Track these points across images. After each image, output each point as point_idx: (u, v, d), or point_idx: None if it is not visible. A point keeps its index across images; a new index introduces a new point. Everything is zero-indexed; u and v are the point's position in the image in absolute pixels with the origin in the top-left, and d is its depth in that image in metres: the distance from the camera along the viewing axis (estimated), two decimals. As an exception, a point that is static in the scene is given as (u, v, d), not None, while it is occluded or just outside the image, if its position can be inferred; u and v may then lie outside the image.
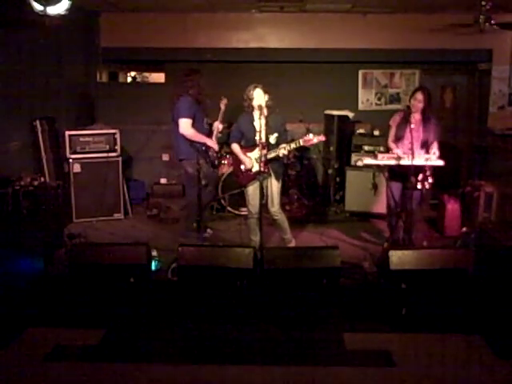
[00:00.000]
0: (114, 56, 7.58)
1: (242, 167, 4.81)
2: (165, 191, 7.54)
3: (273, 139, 4.64)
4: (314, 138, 4.55)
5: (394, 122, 5.01)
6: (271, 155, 4.61)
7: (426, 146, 4.82)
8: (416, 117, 4.82)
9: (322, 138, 4.70)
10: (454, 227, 5.59)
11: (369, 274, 4.49)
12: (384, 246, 4.92)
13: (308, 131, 6.85)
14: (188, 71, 5.17)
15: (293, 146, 4.58)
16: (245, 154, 4.77)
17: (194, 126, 5.05)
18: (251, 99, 4.59)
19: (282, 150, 4.58)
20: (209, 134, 5.25)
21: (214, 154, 5.28)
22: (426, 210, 6.38)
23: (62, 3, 3.98)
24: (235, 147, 4.84)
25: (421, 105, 4.76)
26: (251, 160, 4.74)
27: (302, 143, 4.56)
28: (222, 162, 6.50)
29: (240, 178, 4.88)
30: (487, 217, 5.50)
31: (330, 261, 3.87)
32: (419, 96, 4.77)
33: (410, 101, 4.89)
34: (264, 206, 4.70)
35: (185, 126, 5.01)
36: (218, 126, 5.26)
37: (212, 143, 5.20)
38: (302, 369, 3.28)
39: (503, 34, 6.84)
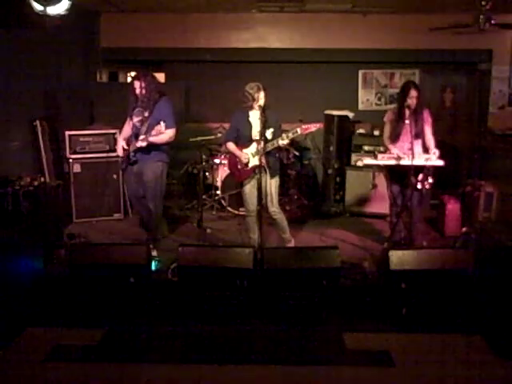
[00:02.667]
0: (114, 56, 7.59)
1: (239, 164, 4.81)
2: (165, 191, 7.52)
3: (269, 134, 4.63)
4: (311, 126, 4.53)
5: (388, 118, 5.01)
6: (270, 147, 4.61)
7: (421, 139, 4.81)
8: (408, 113, 4.80)
9: (320, 125, 4.66)
10: (453, 227, 5.59)
11: (369, 274, 4.48)
12: (384, 245, 4.92)
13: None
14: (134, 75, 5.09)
15: (291, 135, 4.54)
16: (240, 150, 4.78)
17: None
18: (254, 100, 4.58)
19: (281, 140, 4.56)
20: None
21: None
22: (426, 210, 6.38)
23: (62, 3, 3.98)
24: (230, 145, 4.85)
25: (415, 101, 4.74)
26: (247, 155, 4.72)
27: (299, 131, 4.53)
28: (222, 161, 6.50)
29: (236, 176, 4.91)
30: (487, 217, 5.50)
31: (329, 261, 3.86)
32: (414, 93, 4.72)
33: (404, 98, 4.82)
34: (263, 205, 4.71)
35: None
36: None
37: (118, 147, 5.13)
38: (301, 369, 3.28)
39: (503, 33, 6.85)
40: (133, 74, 9.81)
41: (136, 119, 4.90)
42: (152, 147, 4.79)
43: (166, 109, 4.85)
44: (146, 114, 4.85)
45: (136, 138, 4.82)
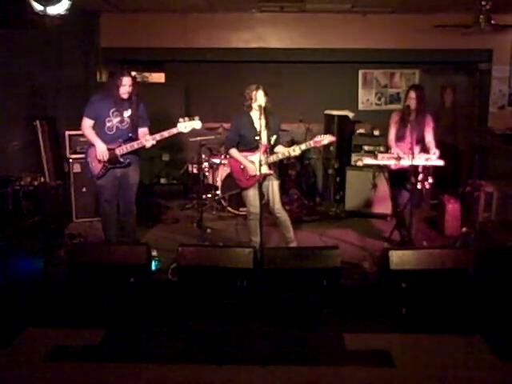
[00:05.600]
0: (114, 56, 7.59)
1: (245, 173, 4.70)
2: (165, 191, 7.55)
3: (273, 141, 4.64)
4: (324, 139, 4.53)
5: (393, 120, 5.03)
6: (280, 157, 4.62)
7: (421, 143, 4.83)
8: (413, 116, 4.83)
9: (333, 138, 4.61)
10: (454, 227, 5.59)
11: (369, 273, 4.49)
12: (384, 245, 4.93)
13: (308, 131, 6.88)
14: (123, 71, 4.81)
15: (303, 147, 4.56)
16: (246, 157, 4.69)
17: (95, 126, 4.71)
18: (252, 99, 4.58)
19: (293, 152, 4.56)
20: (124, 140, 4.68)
21: (93, 163, 4.71)
22: (426, 210, 6.38)
23: (62, 3, 3.97)
24: (235, 152, 4.74)
25: (414, 103, 4.78)
26: (254, 164, 4.57)
27: (312, 144, 4.55)
28: (222, 161, 6.50)
29: (242, 182, 4.76)
30: (487, 217, 5.50)
31: (329, 261, 3.86)
32: (412, 94, 4.81)
33: (405, 100, 4.91)
34: (265, 206, 4.70)
35: (82, 123, 4.76)
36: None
37: (100, 148, 4.62)
38: (302, 369, 3.28)
39: (503, 34, 6.86)
40: (132, 73, 9.91)
41: (116, 120, 4.69)
42: (136, 149, 4.73)
43: (144, 108, 4.84)
44: (128, 114, 4.70)
45: (124, 140, 4.66)
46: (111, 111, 4.67)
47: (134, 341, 3.65)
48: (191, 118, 4.62)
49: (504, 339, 3.44)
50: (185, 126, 4.60)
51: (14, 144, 5.46)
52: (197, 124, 4.62)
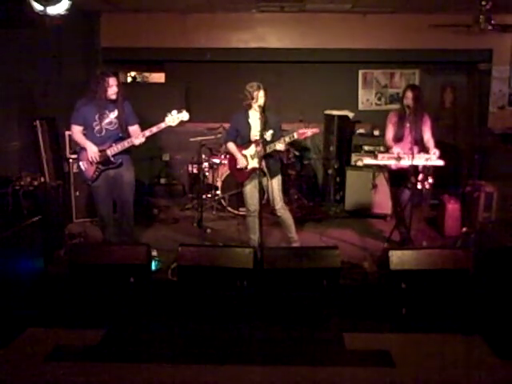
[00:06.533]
0: (114, 56, 7.59)
1: (238, 166, 4.85)
2: (165, 191, 7.56)
3: (268, 136, 4.64)
4: (307, 131, 4.58)
5: (391, 121, 5.02)
6: (268, 150, 4.63)
7: (420, 142, 4.83)
8: (411, 115, 4.83)
9: (316, 130, 4.70)
10: (454, 227, 5.59)
11: (369, 273, 4.49)
12: (384, 245, 4.93)
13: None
14: (100, 73, 4.81)
15: (287, 139, 4.61)
16: (240, 152, 4.81)
17: (85, 130, 4.72)
18: (253, 98, 4.59)
19: (278, 145, 4.61)
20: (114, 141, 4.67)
21: (86, 166, 4.71)
22: (426, 210, 6.39)
23: (62, 3, 3.98)
24: (231, 146, 4.88)
25: (411, 102, 4.78)
26: (246, 158, 4.77)
27: (296, 136, 4.60)
28: (222, 161, 6.51)
29: (236, 176, 4.98)
30: (487, 217, 5.50)
31: (329, 261, 3.86)
32: (409, 94, 4.81)
33: (402, 100, 4.91)
34: (267, 205, 4.71)
35: (71, 130, 4.80)
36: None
37: (90, 149, 4.63)
38: (301, 369, 3.28)
39: (503, 34, 6.85)
40: (132, 73, 9.91)
41: (104, 122, 4.67)
42: (127, 148, 4.71)
43: (130, 106, 4.83)
44: (115, 114, 4.68)
45: (115, 140, 4.65)
46: (96, 116, 4.66)
47: (134, 341, 3.65)
48: (179, 111, 4.62)
49: (504, 339, 3.44)
50: (173, 119, 4.59)
51: (14, 144, 5.46)
52: (184, 116, 4.62)
